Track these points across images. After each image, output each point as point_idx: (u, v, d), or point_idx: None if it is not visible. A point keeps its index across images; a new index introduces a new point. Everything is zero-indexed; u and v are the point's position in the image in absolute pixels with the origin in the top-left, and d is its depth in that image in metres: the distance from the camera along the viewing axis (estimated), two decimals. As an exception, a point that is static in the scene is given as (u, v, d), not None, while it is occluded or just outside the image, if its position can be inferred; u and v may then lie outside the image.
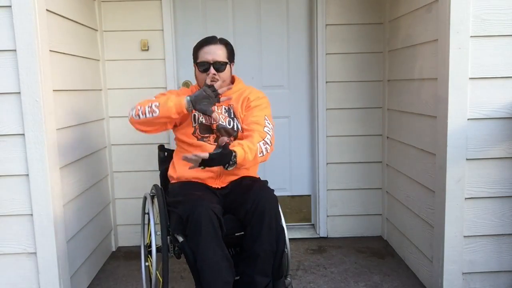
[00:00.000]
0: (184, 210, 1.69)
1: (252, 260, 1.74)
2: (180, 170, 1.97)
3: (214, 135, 1.95)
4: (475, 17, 1.91)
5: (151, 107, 1.80)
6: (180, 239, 1.73)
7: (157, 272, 1.85)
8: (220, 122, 1.94)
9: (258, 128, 1.89)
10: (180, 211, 1.72)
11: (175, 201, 1.82)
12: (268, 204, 1.74)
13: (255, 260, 1.73)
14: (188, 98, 1.80)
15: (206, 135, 1.95)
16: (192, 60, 2.03)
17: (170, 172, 2.04)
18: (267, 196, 1.76)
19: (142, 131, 1.89)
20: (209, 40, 1.96)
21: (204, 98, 1.78)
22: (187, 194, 1.78)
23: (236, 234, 1.80)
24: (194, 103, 1.78)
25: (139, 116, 1.83)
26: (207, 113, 1.80)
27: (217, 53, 1.93)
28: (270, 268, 1.77)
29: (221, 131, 1.95)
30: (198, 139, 1.95)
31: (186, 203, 1.70)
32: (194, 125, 1.96)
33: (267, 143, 1.85)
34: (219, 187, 1.94)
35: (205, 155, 1.62)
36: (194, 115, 1.95)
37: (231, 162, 1.68)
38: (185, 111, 1.81)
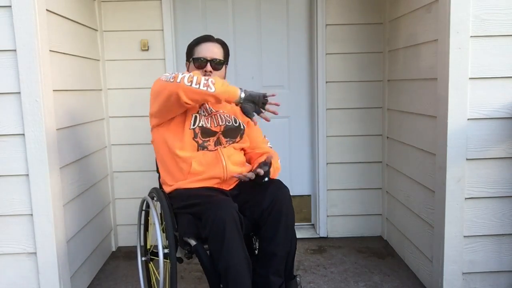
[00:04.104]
0: (204, 212, 1.65)
1: (267, 260, 1.73)
2: (179, 185, 1.88)
3: (215, 138, 1.88)
4: (475, 17, 1.91)
5: (207, 81, 1.70)
6: (193, 242, 1.70)
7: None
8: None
9: (263, 145, 2.06)
10: (198, 212, 1.69)
11: (187, 204, 1.77)
12: (286, 204, 1.74)
13: (271, 260, 1.72)
14: (243, 93, 1.75)
15: (206, 139, 1.87)
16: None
17: (166, 179, 1.94)
18: (284, 196, 1.75)
19: (181, 100, 1.70)
20: (207, 38, 1.94)
21: (254, 100, 1.76)
22: (202, 196, 1.74)
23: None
24: (246, 99, 1.75)
25: (192, 83, 1.68)
26: (249, 115, 1.77)
27: (214, 51, 1.91)
28: (283, 269, 1.76)
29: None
30: (199, 144, 1.85)
31: (204, 205, 1.67)
32: (192, 127, 1.85)
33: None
34: (228, 189, 1.90)
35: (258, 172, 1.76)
36: (196, 116, 1.87)
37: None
38: (232, 102, 1.76)
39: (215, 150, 1.87)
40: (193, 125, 1.86)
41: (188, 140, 1.84)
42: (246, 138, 1.99)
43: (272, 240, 1.72)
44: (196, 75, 1.72)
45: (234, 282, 1.60)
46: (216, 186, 1.87)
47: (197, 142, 1.86)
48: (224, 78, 1.98)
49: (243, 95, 1.74)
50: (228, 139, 1.91)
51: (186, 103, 1.70)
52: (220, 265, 1.61)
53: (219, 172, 1.85)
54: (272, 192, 1.75)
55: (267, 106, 1.79)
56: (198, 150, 1.85)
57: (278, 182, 1.84)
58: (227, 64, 1.99)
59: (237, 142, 1.94)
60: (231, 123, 1.92)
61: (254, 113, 1.78)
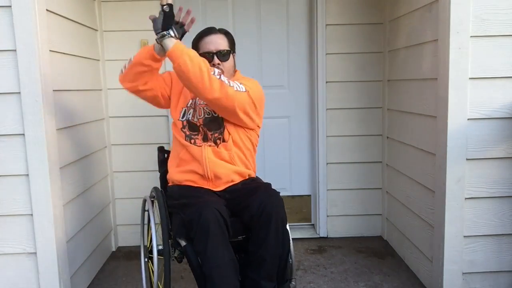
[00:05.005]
0: (189, 213, 1.65)
1: (257, 264, 1.71)
2: (171, 172, 1.94)
3: (202, 132, 1.89)
4: (475, 17, 1.91)
5: (130, 59, 1.83)
6: (183, 243, 1.70)
7: (159, 284, 1.83)
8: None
9: None
10: (184, 214, 1.69)
11: (178, 204, 1.79)
12: (275, 207, 1.70)
13: (261, 265, 1.70)
14: (156, 40, 1.75)
15: (194, 133, 1.90)
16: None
17: (169, 164, 2.01)
18: (273, 199, 1.73)
19: (132, 89, 1.86)
20: (209, 31, 1.93)
21: (160, 21, 1.72)
22: (191, 197, 1.75)
23: (239, 238, 1.77)
24: (159, 40, 1.72)
25: (122, 71, 1.85)
26: (156, 28, 1.73)
27: (218, 42, 1.90)
28: (275, 273, 1.74)
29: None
30: (186, 135, 1.89)
31: (191, 206, 1.67)
32: (181, 119, 1.91)
33: (223, 79, 1.74)
34: (219, 190, 1.89)
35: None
36: (185, 109, 1.91)
37: (166, 33, 1.70)
38: (155, 52, 1.76)
39: (199, 146, 1.88)
40: (182, 117, 1.93)
41: (178, 130, 1.92)
42: (238, 130, 1.91)
43: (262, 244, 1.70)
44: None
45: (218, 283, 1.59)
46: (202, 183, 1.87)
47: (184, 133, 1.91)
48: (234, 67, 1.98)
49: (156, 40, 1.74)
50: (212, 132, 1.89)
51: (140, 88, 1.87)
52: (206, 267, 1.60)
53: (199, 168, 1.86)
54: (261, 196, 1.73)
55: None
56: (185, 140, 1.90)
57: (268, 185, 1.83)
58: (234, 52, 1.98)
59: (224, 137, 1.88)
60: (210, 114, 1.91)
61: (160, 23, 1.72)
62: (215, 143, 1.88)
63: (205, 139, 1.89)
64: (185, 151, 1.89)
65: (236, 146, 1.91)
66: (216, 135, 1.89)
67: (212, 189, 1.88)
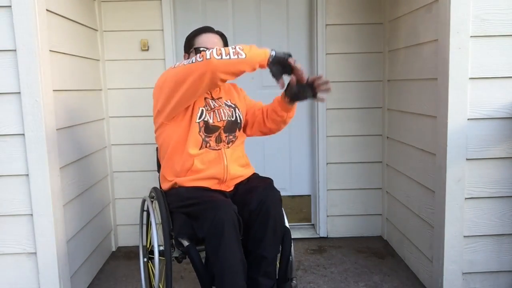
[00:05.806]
0: (203, 211, 1.64)
1: (256, 263, 1.71)
2: (181, 181, 1.85)
3: (217, 134, 1.86)
4: (475, 17, 1.91)
5: (235, 48, 1.61)
6: (186, 243, 1.70)
7: (159, 284, 1.82)
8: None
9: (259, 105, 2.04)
10: (195, 212, 1.68)
11: (185, 204, 1.76)
12: (273, 206, 1.71)
13: (260, 263, 1.71)
14: (273, 52, 1.66)
15: (209, 135, 1.83)
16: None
17: (166, 174, 1.91)
18: (272, 197, 1.72)
19: (216, 78, 1.62)
20: (207, 29, 1.93)
21: (282, 63, 1.68)
22: (202, 196, 1.73)
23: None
24: (274, 60, 1.66)
25: (221, 56, 1.58)
26: (276, 78, 1.69)
27: (215, 41, 1.89)
28: (274, 270, 1.75)
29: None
30: (202, 139, 1.81)
31: (204, 204, 1.66)
32: (198, 120, 1.80)
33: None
34: (227, 191, 1.88)
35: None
36: (202, 109, 1.82)
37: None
38: (264, 65, 1.66)
39: (218, 149, 1.85)
40: (199, 118, 1.82)
41: (194, 134, 1.80)
42: (242, 132, 1.98)
43: (260, 243, 1.70)
44: (219, 46, 1.75)
45: (229, 282, 1.58)
46: (215, 187, 1.85)
47: (200, 136, 1.82)
48: None
49: (273, 53, 1.65)
50: (227, 134, 1.88)
51: (222, 80, 1.63)
52: (216, 266, 1.60)
53: (219, 172, 1.83)
54: (260, 194, 1.72)
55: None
56: (201, 147, 1.82)
57: (268, 184, 1.82)
58: None
59: (236, 136, 1.91)
60: (231, 118, 1.90)
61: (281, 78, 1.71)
62: (228, 144, 1.88)
63: (219, 140, 1.86)
64: (199, 161, 1.81)
65: (241, 144, 1.96)
66: (230, 137, 1.89)
67: (222, 189, 1.86)
